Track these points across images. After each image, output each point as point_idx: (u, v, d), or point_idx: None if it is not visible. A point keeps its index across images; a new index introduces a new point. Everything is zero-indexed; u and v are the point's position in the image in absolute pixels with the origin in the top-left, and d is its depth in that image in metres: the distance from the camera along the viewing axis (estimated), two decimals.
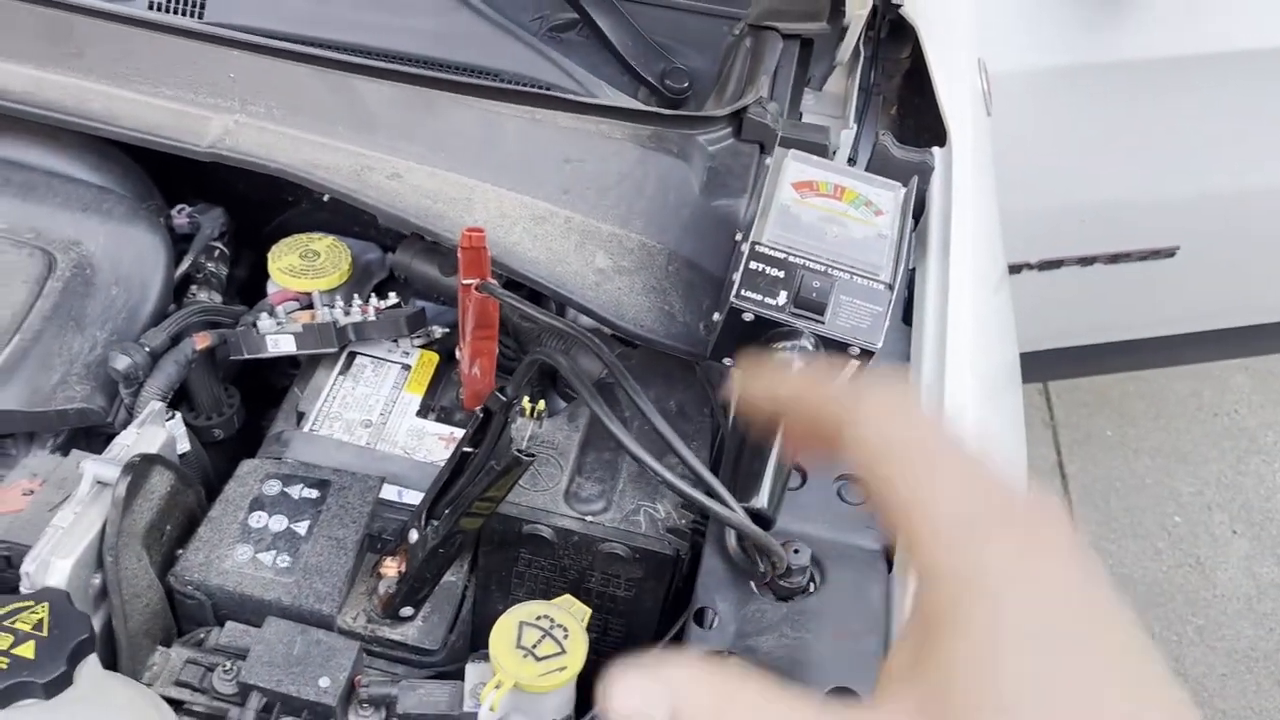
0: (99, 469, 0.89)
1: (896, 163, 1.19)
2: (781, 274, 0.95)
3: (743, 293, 0.94)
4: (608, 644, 1.05)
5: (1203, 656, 2.54)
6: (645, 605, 1.02)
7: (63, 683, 0.74)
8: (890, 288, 0.96)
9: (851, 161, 1.23)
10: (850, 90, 1.35)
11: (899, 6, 1.26)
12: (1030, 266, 1.99)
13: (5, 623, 0.75)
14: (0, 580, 0.92)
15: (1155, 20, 1.76)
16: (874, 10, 1.28)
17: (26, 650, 0.75)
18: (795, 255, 0.96)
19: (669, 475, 0.81)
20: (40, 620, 0.76)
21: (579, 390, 0.83)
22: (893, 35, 1.39)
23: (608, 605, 1.03)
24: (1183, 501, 2.87)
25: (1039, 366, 2.33)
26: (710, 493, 0.83)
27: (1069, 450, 2.97)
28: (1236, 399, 3.14)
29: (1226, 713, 2.47)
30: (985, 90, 1.46)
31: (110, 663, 0.90)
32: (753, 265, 0.95)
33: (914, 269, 1.14)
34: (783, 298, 0.94)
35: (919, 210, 1.19)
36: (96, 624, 0.90)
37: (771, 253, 0.96)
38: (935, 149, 1.23)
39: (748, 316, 0.94)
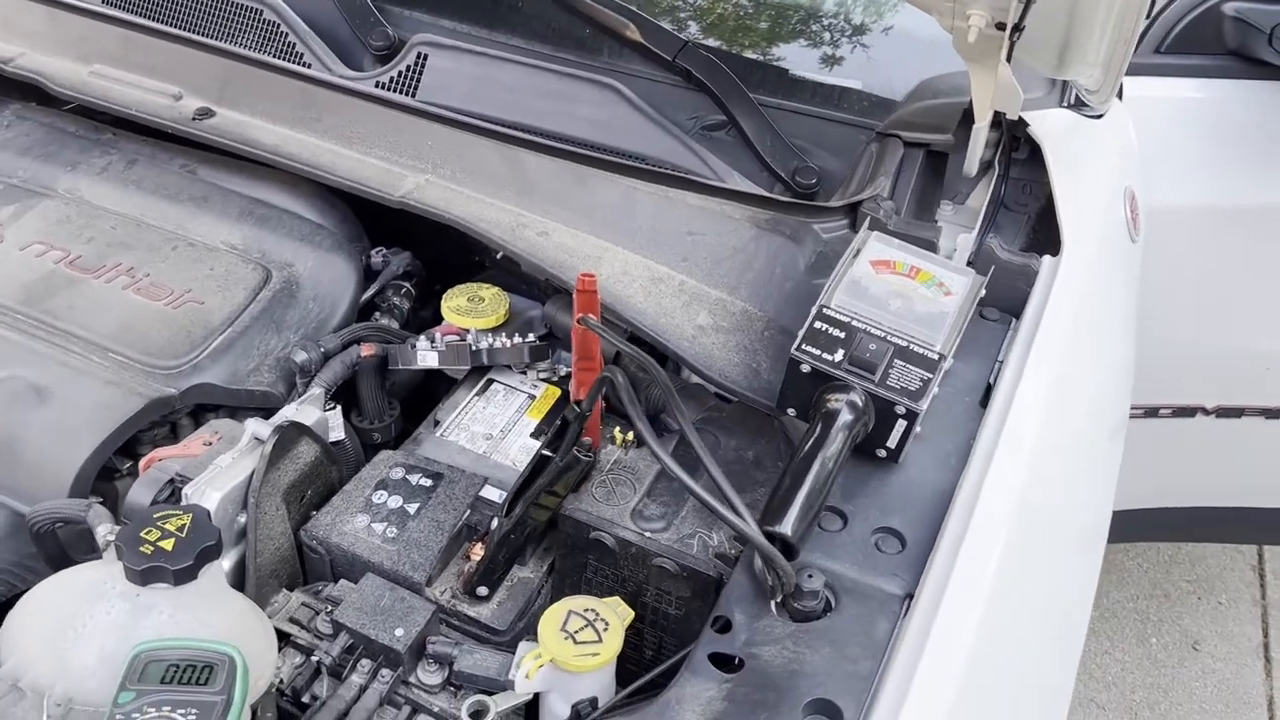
0: (257, 427, 1.10)
1: (1000, 262, 1.27)
2: (842, 335, 1.06)
3: (803, 346, 1.06)
4: (663, 660, 1.14)
5: None
6: (695, 628, 1.11)
7: (187, 575, 0.93)
8: (943, 357, 1.04)
9: (970, 263, 1.31)
10: (984, 203, 1.44)
11: (1026, 126, 1.35)
12: (1205, 411, 1.94)
13: (157, 522, 0.96)
14: None
15: None
16: (1005, 130, 1.37)
17: (167, 545, 0.95)
18: (858, 320, 1.07)
19: (688, 480, 0.92)
20: (183, 525, 0.96)
21: (626, 405, 0.96)
22: (1036, 158, 1.47)
23: (661, 622, 1.13)
24: None
25: (1227, 525, 2.22)
26: (730, 505, 0.93)
27: (1279, 633, 2.74)
28: None
29: None
30: (1128, 218, 1.50)
31: (239, 587, 1.09)
32: (817, 325, 1.07)
33: (1001, 360, 1.20)
34: (839, 355, 1.05)
35: (1018, 309, 1.25)
36: (233, 557, 1.11)
37: (836, 315, 1.07)
38: (1046, 257, 1.29)
39: (805, 368, 1.05)
